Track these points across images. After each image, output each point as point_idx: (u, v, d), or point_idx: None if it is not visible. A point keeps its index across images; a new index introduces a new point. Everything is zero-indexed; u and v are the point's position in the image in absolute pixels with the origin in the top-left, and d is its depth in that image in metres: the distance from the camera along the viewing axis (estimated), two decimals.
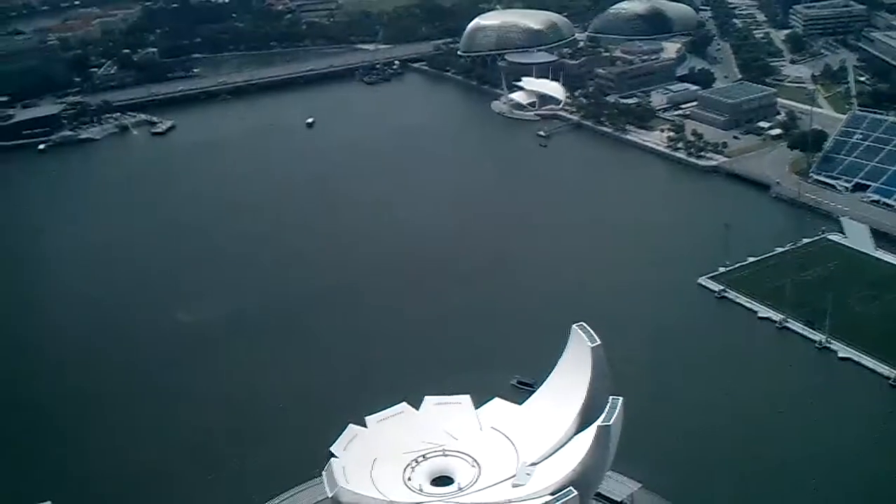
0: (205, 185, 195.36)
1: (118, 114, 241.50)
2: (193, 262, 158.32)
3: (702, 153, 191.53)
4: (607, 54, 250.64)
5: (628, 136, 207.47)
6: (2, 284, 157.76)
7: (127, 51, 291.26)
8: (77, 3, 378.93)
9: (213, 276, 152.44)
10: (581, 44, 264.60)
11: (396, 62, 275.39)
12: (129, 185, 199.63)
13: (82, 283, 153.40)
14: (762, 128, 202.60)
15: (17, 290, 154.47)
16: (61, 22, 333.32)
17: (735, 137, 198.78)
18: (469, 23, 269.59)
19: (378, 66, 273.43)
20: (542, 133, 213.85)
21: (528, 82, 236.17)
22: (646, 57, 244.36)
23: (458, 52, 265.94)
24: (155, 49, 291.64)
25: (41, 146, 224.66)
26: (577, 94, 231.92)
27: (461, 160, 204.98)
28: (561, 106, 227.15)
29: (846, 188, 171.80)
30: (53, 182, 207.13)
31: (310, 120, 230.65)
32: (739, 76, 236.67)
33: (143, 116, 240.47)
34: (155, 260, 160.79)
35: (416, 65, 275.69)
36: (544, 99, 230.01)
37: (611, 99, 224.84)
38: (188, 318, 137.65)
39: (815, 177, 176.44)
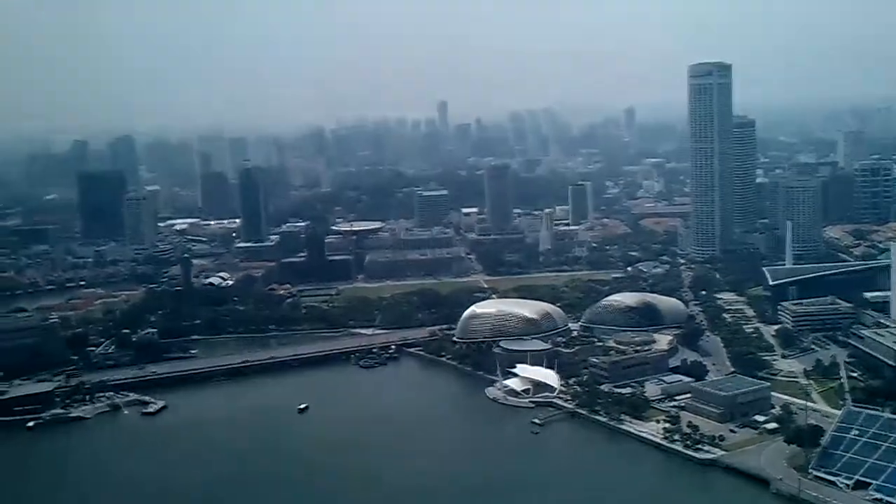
0: (181, 473, 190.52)
1: (111, 392, 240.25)
2: None
3: (698, 445, 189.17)
4: (601, 344, 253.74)
5: (623, 426, 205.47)
6: None
7: (126, 331, 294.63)
8: (83, 283, 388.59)
9: None
10: (574, 333, 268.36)
11: (392, 346, 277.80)
12: (104, 469, 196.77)
13: None
14: (758, 421, 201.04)
15: None
16: (65, 301, 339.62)
17: (731, 430, 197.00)
18: (465, 310, 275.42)
19: (374, 350, 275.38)
20: (536, 420, 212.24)
21: (523, 369, 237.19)
22: (638, 347, 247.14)
23: (454, 339, 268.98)
24: (154, 329, 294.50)
25: (30, 423, 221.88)
26: (571, 381, 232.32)
27: (452, 449, 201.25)
28: (555, 394, 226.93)
29: (847, 486, 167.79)
30: (31, 462, 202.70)
31: (302, 406, 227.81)
32: (732, 369, 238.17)
33: (135, 396, 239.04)
34: None
35: (411, 349, 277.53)
36: (539, 386, 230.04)
37: (605, 388, 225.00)
38: None
39: (815, 473, 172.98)
